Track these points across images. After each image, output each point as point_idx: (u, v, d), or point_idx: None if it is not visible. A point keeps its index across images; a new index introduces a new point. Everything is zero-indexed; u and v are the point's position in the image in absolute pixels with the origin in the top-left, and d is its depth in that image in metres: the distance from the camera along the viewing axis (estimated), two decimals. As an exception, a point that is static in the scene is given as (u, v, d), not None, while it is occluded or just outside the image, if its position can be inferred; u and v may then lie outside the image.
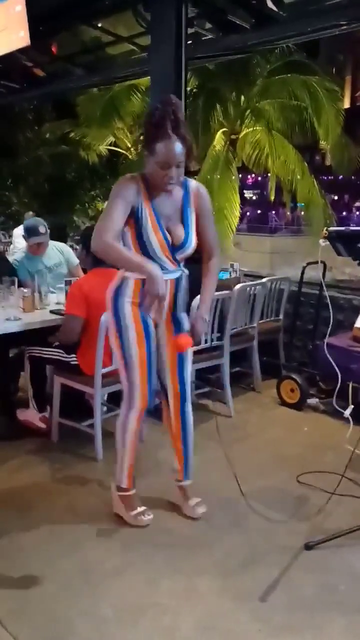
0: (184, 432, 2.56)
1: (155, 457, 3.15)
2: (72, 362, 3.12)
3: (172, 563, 2.24)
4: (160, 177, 2.19)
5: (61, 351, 3.17)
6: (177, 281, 2.38)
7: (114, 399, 3.32)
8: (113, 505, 2.56)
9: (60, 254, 4.09)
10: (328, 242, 2.36)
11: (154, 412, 3.66)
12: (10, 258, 4.14)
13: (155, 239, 2.26)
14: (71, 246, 4.74)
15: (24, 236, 3.94)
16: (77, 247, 4.54)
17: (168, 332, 2.45)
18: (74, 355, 3.11)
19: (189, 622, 1.93)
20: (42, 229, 3.83)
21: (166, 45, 4.76)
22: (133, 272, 2.29)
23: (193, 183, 2.39)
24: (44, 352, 3.27)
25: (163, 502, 2.67)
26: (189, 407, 2.55)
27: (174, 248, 2.30)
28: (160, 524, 2.50)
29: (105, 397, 3.47)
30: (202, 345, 3.51)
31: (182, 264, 2.40)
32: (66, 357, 3.15)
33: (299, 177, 9.92)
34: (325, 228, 2.34)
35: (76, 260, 4.09)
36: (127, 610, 1.98)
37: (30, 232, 3.86)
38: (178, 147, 2.14)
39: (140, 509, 2.51)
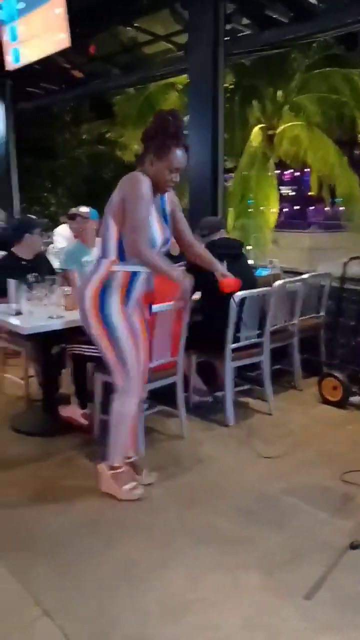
0: None
1: (197, 454, 3.17)
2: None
3: (215, 558, 2.24)
4: (165, 180, 2.50)
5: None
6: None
7: (156, 396, 3.35)
8: (102, 485, 2.69)
9: None
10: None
11: (193, 409, 3.69)
12: (54, 251, 4.22)
13: (157, 236, 2.52)
14: None
15: (79, 217, 4.01)
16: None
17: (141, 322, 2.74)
18: None
19: (234, 618, 1.92)
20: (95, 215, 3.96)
21: (204, 43, 4.76)
22: (156, 274, 2.65)
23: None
24: (85, 350, 3.31)
25: (205, 498, 2.68)
26: None
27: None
28: (203, 519, 2.50)
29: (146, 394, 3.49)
30: (242, 343, 3.51)
31: None
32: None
33: (338, 172, 9.77)
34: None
35: None
36: (171, 605, 1.99)
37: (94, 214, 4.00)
38: (186, 156, 2.52)
39: (132, 484, 2.67)
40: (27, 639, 1.85)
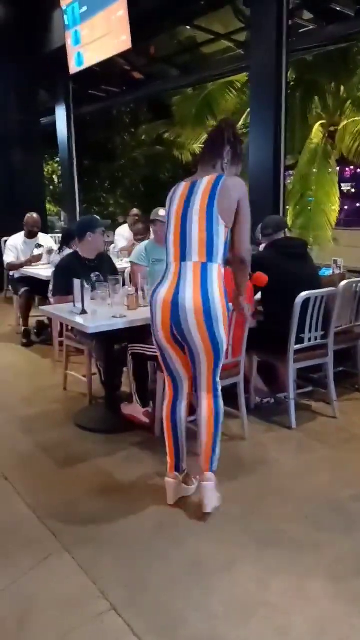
0: None
1: (260, 456, 3.13)
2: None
3: (281, 562, 2.21)
4: None
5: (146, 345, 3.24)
6: None
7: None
8: None
9: None
10: None
11: (254, 410, 3.65)
12: (114, 251, 4.28)
13: None
14: None
15: (158, 222, 4.03)
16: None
17: None
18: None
19: (302, 624, 1.89)
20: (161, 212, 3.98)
21: (267, 39, 4.72)
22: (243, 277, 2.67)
23: None
24: (146, 349, 3.34)
25: (269, 501, 2.65)
26: None
27: None
28: (268, 523, 2.47)
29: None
30: (306, 344, 3.44)
31: None
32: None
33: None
34: None
35: None
36: (237, 607, 1.98)
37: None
38: None
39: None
40: (94, 633, 1.88)
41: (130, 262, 4.25)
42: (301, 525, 2.46)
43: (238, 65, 7.25)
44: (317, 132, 10.25)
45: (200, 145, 13.65)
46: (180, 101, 11.93)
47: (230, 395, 3.31)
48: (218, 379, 2.56)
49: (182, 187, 2.50)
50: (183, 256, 2.43)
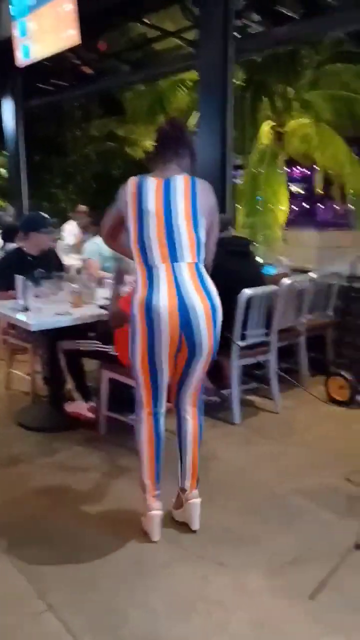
0: None
1: (203, 452, 3.15)
2: (110, 352, 3.16)
3: (222, 558, 2.23)
4: None
5: (99, 342, 3.22)
6: None
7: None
8: None
9: None
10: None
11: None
12: (62, 247, 4.28)
13: None
14: None
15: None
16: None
17: None
18: (112, 346, 3.14)
19: (241, 619, 1.92)
20: None
21: (214, 39, 4.74)
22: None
23: None
24: (81, 345, 3.31)
25: (212, 496, 2.67)
26: None
27: None
28: (211, 518, 2.49)
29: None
30: (249, 341, 3.49)
31: None
32: (104, 348, 3.19)
33: (348, 170, 9.71)
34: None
35: None
36: (178, 604, 1.99)
37: None
38: None
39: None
40: (31, 632, 1.85)
41: (85, 258, 4.24)
42: (242, 520, 2.49)
43: (188, 63, 7.27)
44: (266, 133, 10.40)
45: (153, 143, 13.63)
46: (132, 97, 11.88)
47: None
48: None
49: (152, 184, 2.28)
50: (174, 257, 2.24)
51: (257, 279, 3.67)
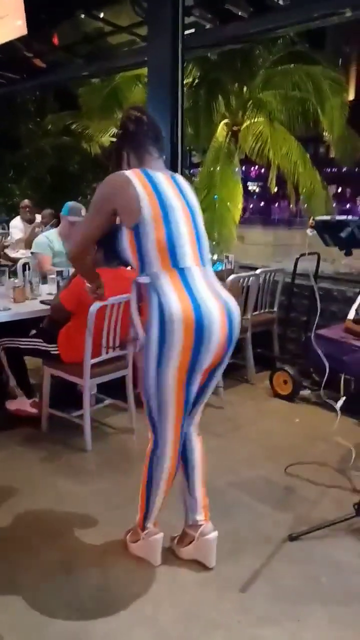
0: None
1: (146, 447, 3.15)
2: (52, 352, 3.12)
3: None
4: None
5: (40, 340, 3.18)
6: None
7: (104, 390, 3.34)
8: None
9: None
10: (315, 232, 2.34)
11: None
12: (10, 242, 4.23)
13: None
14: None
15: (61, 215, 4.14)
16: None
17: None
18: (54, 345, 3.11)
19: (171, 612, 1.93)
20: (83, 212, 4.01)
21: (163, 35, 4.72)
22: None
23: None
24: (21, 343, 3.26)
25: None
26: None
27: None
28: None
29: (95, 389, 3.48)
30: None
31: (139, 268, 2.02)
32: (46, 347, 3.15)
33: (300, 168, 9.85)
34: (312, 218, 2.31)
35: None
36: (107, 600, 1.98)
37: (72, 211, 4.02)
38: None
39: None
40: None
41: (35, 252, 4.17)
42: (179, 513, 2.49)
43: (143, 58, 7.23)
44: (221, 131, 10.45)
45: (110, 139, 13.54)
46: (87, 92, 11.74)
47: (119, 387, 3.33)
48: None
49: (162, 178, 2.00)
50: (202, 259, 1.98)
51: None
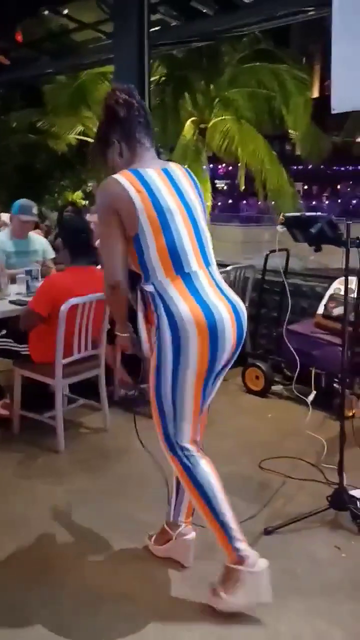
0: None
1: (121, 446, 3.15)
2: (22, 352, 3.09)
3: (133, 550, 2.23)
4: None
5: (10, 340, 3.14)
6: None
7: (80, 389, 3.32)
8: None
9: (40, 243, 4.20)
10: (285, 229, 2.36)
11: (119, 402, 3.66)
12: None
13: None
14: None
15: (11, 215, 4.03)
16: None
17: None
18: (25, 345, 3.08)
19: (149, 611, 1.92)
20: (34, 210, 3.96)
21: (129, 32, 4.71)
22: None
23: None
24: None
25: (128, 489, 2.67)
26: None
27: None
28: (125, 511, 2.50)
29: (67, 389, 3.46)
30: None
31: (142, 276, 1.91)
32: (16, 347, 3.11)
33: (268, 166, 9.96)
34: (282, 214, 2.34)
35: (52, 254, 4.15)
36: (86, 599, 1.97)
37: (22, 210, 3.93)
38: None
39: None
40: None
41: None
42: (155, 511, 2.49)
43: (108, 56, 7.19)
44: (188, 129, 10.49)
45: (76, 136, 13.42)
46: (53, 89, 11.62)
47: (92, 387, 3.31)
48: None
49: (155, 176, 1.88)
50: (206, 260, 1.92)
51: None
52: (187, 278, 1.86)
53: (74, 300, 2.88)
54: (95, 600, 1.96)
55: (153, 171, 1.89)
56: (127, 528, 2.37)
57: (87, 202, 12.51)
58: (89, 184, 14.01)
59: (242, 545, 1.88)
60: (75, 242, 3.09)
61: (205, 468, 1.94)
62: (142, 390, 3.77)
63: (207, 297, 1.85)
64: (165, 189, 1.87)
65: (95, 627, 1.85)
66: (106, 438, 3.27)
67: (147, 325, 1.93)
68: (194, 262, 1.88)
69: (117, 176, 1.85)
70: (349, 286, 2.34)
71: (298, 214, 2.33)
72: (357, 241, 2.24)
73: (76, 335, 3.01)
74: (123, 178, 1.84)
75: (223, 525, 1.89)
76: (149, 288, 1.86)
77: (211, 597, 1.88)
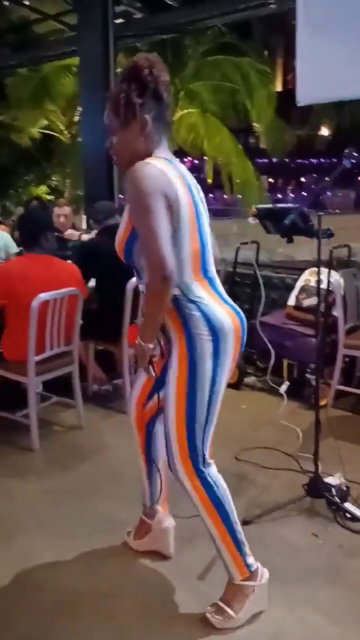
0: None
1: (96, 443, 3.12)
2: None
3: (112, 548, 2.22)
4: None
5: None
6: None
7: (53, 387, 3.28)
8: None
9: (1, 238, 4.14)
10: (257, 221, 2.37)
11: (93, 398, 3.64)
12: None
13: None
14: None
15: None
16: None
17: None
18: None
19: (130, 607, 1.91)
20: None
21: (93, 24, 4.66)
22: None
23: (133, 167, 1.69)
24: None
25: (104, 487, 2.65)
26: None
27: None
28: (101, 509, 2.48)
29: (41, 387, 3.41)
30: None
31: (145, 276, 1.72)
32: None
33: (234, 159, 9.99)
34: (253, 206, 2.35)
35: (15, 248, 4.09)
36: (66, 599, 1.95)
37: None
38: (107, 113, 1.77)
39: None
40: None
41: None
42: (132, 507, 2.48)
43: (71, 48, 7.09)
44: (154, 122, 10.44)
45: (39, 130, 13.20)
46: (15, 82, 11.40)
47: (65, 384, 3.28)
48: None
49: (184, 168, 1.77)
50: (205, 271, 1.78)
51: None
52: (211, 282, 1.78)
53: (44, 296, 2.84)
54: (76, 600, 1.95)
55: (172, 168, 1.72)
56: (104, 525, 2.36)
57: (52, 196, 12.35)
58: (54, 179, 13.83)
59: (252, 560, 1.86)
60: (30, 230, 3.06)
61: (224, 484, 1.86)
62: (116, 386, 3.76)
63: (225, 300, 1.79)
64: (185, 192, 1.71)
65: (77, 628, 1.83)
66: (81, 435, 3.24)
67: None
68: (211, 266, 1.81)
69: (156, 162, 1.68)
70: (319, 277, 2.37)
71: (270, 205, 2.35)
72: (329, 232, 2.27)
73: (48, 331, 2.97)
74: (158, 162, 1.68)
75: (237, 543, 1.84)
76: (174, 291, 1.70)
77: (216, 618, 1.80)
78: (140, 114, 1.69)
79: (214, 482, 1.83)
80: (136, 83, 1.69)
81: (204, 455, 1.82)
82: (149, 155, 1.71)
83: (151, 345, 1.72)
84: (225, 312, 1.74)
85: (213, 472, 1.85)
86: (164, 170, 1.66)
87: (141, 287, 1.81)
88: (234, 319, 1.76)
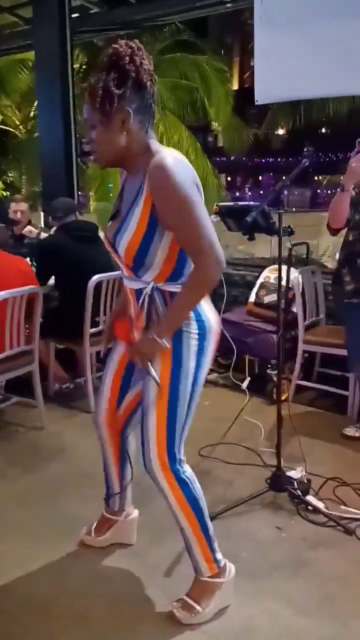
0: None
1: (59, 443, 3.08)
2: None
3: (76, 548, 2.20)
4: None
5: None
6: (138, 293, 1.72)
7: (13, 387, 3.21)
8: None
9: None
10: (219, 218, 2.39)
11: (54, 398, 3.59)
12: None
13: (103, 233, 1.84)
14: None
15: None
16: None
17: None
18: None
19: (100, 607, 1.90)
20: None
21: (49, 18, 4.59)
22: None
23: (154, 159, 1.58)
24: None
25: (70, 487, 2.63)
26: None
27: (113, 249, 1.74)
28: (69, 509, 2.46)
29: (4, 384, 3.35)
30: (100, 327, 3.44)
31: (147, 274, 1.68)
32: None
33: (192, 157, 10.01)
34: (215, 204, 2.36)
35: None
36: (36, 603, 1.92)
37: None
38: (85, 106, 1.64)
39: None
40: None
41: None
42: (96, 506, 2.47)
43: (27, 42, 6.96)
44: (112, 119, 10.36)
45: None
46: (-33, 76, 11.11)
47: (25, 384, 3.22)
48: None
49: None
50: None
51: (106, 264, 3.64)
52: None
53: (3, 294, 2.78)
54: (46, 602, 1.92)
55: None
56: (69, 526, 2.33)
57: (7, 193, 12.11)
58: (10, 174, 13.55)
59: (220, 556, 1.88)
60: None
61: (197, 482, 1.86)
62: (78, 384, 3.73)
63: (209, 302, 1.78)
64: None
65: (48, 631, 1.81)
66: (43, 436, 3.20)
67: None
68: None
69: (173, 152, 1.60)
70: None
71: (232, 203, 2.37)
72: (289, 230, 2.30)
73: (7, 330, 2.91)
74: (175, 153, 1.61)
75: (208, 539, 1.85)
76: (174, 288, 1.67)
77: (182, 613, 1.81)
78: (121, 106, 1.56)
79: (189, 479, 1.83)
80: (116, 72, 1.54)
81: (180, 452, 1.82)
82: (147, 147, 1.62)
83: (168, 343, 1.64)
84: (212, 312, 1.76)
85: (188, 469, 1.85)
86: (185, 160, 1.61)
87: (133, 286, 1.73)
88: (216, 319, 1.77)
